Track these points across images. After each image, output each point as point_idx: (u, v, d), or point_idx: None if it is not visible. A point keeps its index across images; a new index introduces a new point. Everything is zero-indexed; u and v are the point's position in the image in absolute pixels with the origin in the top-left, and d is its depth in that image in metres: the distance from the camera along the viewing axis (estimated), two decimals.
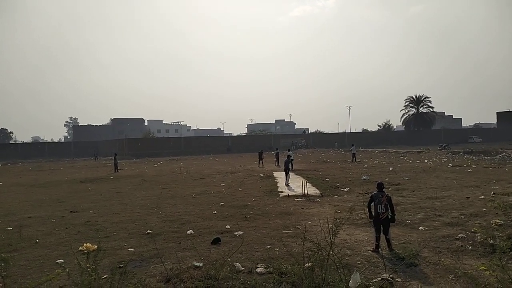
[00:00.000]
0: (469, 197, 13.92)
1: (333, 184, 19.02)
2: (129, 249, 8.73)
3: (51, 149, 76.73)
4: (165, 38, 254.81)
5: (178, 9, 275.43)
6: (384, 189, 8.31)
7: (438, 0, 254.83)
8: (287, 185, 19.42)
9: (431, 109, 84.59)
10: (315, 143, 75.70)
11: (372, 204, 8.16)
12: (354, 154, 35.84)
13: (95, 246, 5.23)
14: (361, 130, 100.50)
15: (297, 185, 18.80)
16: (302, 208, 13.27)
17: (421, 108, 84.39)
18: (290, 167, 21.61)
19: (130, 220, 12.17)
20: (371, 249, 8.06)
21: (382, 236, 8.00)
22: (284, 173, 20.54)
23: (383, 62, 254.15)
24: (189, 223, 11.40)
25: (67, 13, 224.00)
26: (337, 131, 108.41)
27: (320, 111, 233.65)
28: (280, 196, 16.21)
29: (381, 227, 7.97)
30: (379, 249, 7.81)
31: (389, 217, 7.99)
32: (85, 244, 5.23)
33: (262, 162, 33.92)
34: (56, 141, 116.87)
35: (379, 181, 8.67)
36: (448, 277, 6.44)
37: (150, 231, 10.33)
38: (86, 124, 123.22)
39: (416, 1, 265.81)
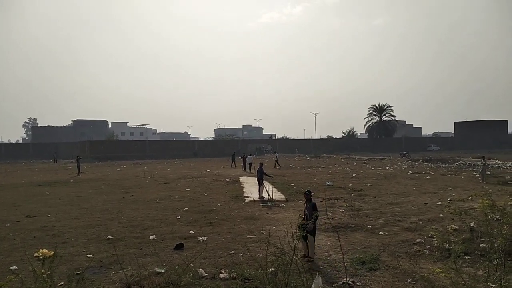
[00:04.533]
0: (427, 203, 14.44)
1: (298, 190, 19.20)
2: (88, 255, 8.44)
3: (7, 150, 73.09)
4: (133, 38, 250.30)
5: (147, 10, 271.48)
6: (312, 197, 8.33)
7: (398, 14, 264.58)
8: (261, 197, 16.69)
9: (393, 118, 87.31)
10: (281, 148, 76.31)
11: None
12: (276, 160, 36.56)
13: (52, 252, 5.03)
14: (326, 137, 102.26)
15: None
16: (267, 213, 13.32)
17: (384, 116, 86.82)
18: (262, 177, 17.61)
19: (90, 225, 11.78)
20: (301, 256, 7.77)
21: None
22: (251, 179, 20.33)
23: (349, 70, 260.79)
24: (151, 228, 11.17)
25: (20, 13, 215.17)
26: (303, 137, 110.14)
27: (287, 117, 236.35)
28: (246, 201, 16.20)
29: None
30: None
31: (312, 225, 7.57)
32: (41, 250, 5.02)
33: (235, 163, 37.30)
34: (13, 142, 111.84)
35: (307, 190, 8.65)
36: (406, 281, 6.65)
37: (110, 237, 10.03)
38: (46, 125, 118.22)
39: (379, 14, 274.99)
